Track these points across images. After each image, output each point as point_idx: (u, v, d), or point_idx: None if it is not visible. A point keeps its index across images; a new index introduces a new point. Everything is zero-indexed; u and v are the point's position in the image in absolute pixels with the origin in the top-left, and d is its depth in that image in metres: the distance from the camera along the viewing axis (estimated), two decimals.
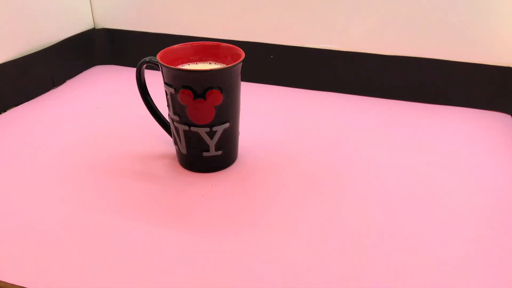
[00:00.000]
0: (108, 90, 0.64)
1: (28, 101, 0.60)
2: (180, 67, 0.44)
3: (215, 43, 0.45)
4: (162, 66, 0.40)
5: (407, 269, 0.33)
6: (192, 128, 0.41)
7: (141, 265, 0.33)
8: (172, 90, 0.41)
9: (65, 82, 0.66)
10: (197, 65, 0.45)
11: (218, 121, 0.42)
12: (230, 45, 0.45)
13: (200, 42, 0.45)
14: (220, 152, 0.43)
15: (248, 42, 0.64)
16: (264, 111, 0.58)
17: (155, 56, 0.42)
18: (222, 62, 0.45)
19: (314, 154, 0.48)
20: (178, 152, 0.45)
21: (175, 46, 0.44)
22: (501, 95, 0.57)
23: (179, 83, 0.40)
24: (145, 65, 0.44)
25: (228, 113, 0.42)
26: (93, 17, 0.71)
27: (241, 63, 0.41)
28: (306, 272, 0.33)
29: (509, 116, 0.57)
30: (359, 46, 0.60)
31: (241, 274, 0.33)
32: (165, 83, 0.41)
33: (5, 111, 0.57)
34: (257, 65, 0.64)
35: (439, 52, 0.57)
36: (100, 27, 0.71)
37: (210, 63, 0.45)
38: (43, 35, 0.62)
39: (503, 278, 0.33)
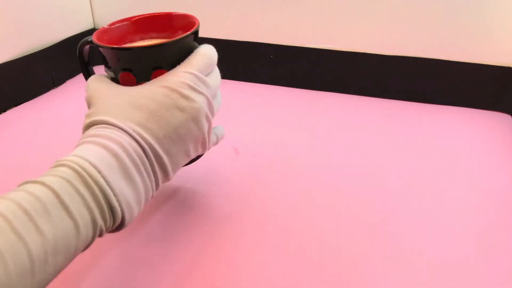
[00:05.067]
0: None
1: (28, 101, 0.60)
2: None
3: (162, 13, 0.37)
4: (97, 46, 0.32)
5: (407, 269, 0.33)
6: None
7: (141, 265, 0.33)
8: (111, 74, 0.33)
9: (65, 82, 0.66)
10: (144, 42, 0.36)
11: None
12: (183, 13, 0.36)
13: (144, 14, 0.37)
14: None
15: (248, 42, 0.64)
16: (263, 111, 0.58)
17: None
18: (174, 37, 0.33)
19: (314, 154, 0.48)
20: None
21: (113, 22, 0.36)
22: (501, 95, 0.57)
23: (117, 64, 0.32)
24: (88, 46, 0.36)
25: None
26: (93, 17, 0.71)
27: (193, 35, 0.32)
28: (306, 272, 0.33)
29: (509, 116, 0.57)
30: (359, 46, 0.60)
31: (241, 273, 0.33)
32: (104, 66, 0.34)
33: (5, 111, 0.57)
34: (257, 65, 0.64)
35: (439, 52, 0.57)
36: (100, 27, 0.71)
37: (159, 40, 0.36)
38: (43, 35, 0.62)
39: (504, 278, 0.33)
